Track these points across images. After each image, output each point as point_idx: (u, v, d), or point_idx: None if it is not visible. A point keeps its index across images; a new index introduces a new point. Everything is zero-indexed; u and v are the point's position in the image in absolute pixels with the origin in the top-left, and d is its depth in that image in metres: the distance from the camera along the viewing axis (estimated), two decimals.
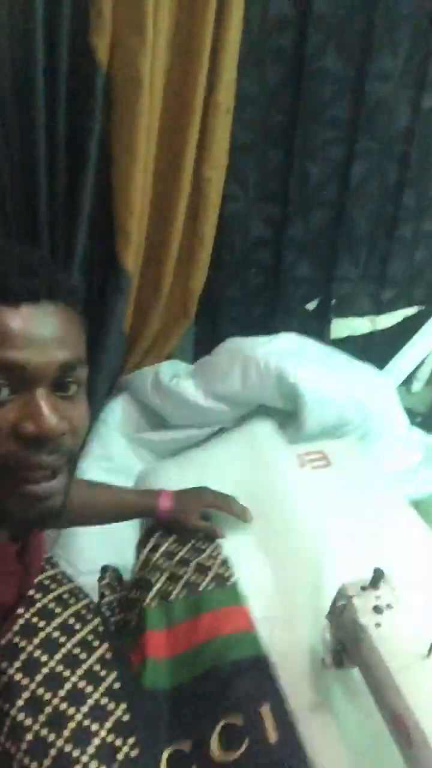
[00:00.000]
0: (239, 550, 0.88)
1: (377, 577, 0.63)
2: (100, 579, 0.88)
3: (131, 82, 1.11)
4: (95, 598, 0.84)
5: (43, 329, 0.44)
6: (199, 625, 0.76)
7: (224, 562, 0.85)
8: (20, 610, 0.62)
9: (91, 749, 0.56)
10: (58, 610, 0.66)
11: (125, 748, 0.58)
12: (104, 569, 0.90)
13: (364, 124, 1.39)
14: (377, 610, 0.61)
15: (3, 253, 0.46)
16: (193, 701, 0.69)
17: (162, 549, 0.88)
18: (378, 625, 0.60)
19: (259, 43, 1.28)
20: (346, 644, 0.65)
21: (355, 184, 1.46)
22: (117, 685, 0.63)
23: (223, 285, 1.56)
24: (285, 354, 1.32)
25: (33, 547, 0.58)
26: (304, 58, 1.30)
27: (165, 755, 0.64)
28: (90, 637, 0.66)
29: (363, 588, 0.63)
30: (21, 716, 0.56)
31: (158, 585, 0.83)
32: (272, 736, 0.62)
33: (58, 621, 0.65)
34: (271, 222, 1.50)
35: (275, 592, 0.81)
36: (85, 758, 0.56)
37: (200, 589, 0.81)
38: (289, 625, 0.76)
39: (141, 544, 0.91)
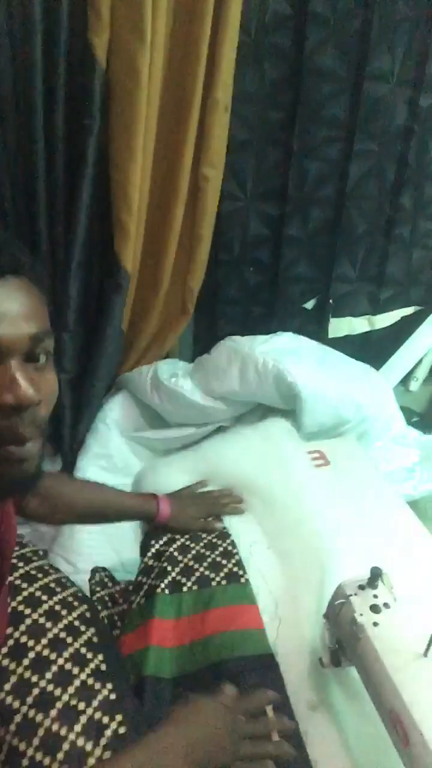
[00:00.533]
0: (250, 548, 0.88)
1: (375, 576, 0.63)
2: (91, 579, 0.89)
3: (130, 80, 1.11)
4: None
5: (11, 304, 0.45)
6: (209, 618, 0.77)
7: (238, 562, 0.85)
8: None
9: (78, 727, 0.57)
10: (44, 597, 0.67)
11: (113, 725, 0.58)
12: (94, 571, 0.91)
13: (362, 124, 1.39)
14: (375, 609, 0.61)
15: None
16: (197, 691, 0.69)
17: (178, 543, 0.88)
18: (375, 624, 0.60)
19: (257, 42, 1.28)
20: (344, 643, 0.65)
21: (353, 183, 1.46)
22: (104, 667, 0.64)
23: (222, 284, 1.56)
24: (283, 353, 1.32)
25: (4, 521, 0.58)
26: (303, 57, 1.30)
27: None
28: (77, 623, 0.67)
29: (361, 587, 0.64)
30: (9, 699, 0.58)
31: (172, 575, 0.83)
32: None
33: (44, 608, 0.65)
34: (269, 221, 1.50)
35: (283, 591, 0.81)
36: (72, 735, 0.56)
37: (213, 584, 0.81)
38: (295, 625, 0.77)
39: (151, 537, 0.91)
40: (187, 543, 0.89)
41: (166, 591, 0.81)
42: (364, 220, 1.54)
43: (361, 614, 0.61)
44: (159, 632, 0.76)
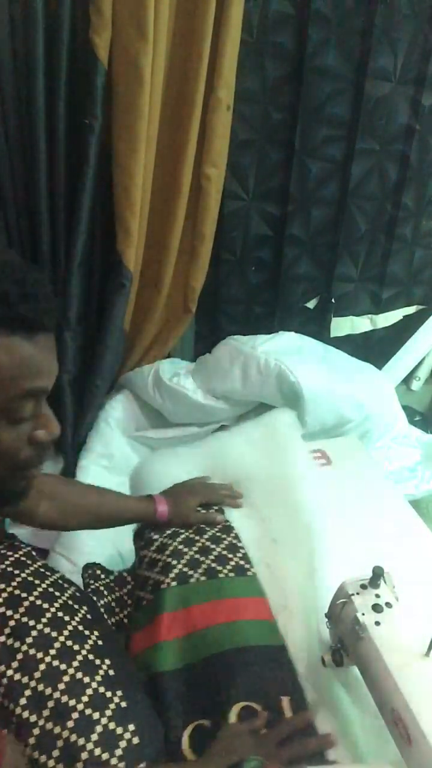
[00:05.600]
0: (255, 542, 0.88)
1: (377, 575, 0.63)
2: (83, 574, 0.89)
3: (132, 79, 1.11)
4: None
5: (53, 355, 0.53)
6: (219, 608, 0.77)
7: (244, 555, 0.85)
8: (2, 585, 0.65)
9: (94, 737, 0.57)
10: (45, 605, 0.67)
11: (126, 735, 0.59)
12: (86, 567, 0.91)
13: (364, 123, 1.39)
14: (377, 608, 0.61)
15: (10, 271, 0.49)
16: (211, 680, 0.70)
17: (182, 536, 0.88)
18: (377, 623, 0.60)
19: (259, 41, 1.27)
20: (346, 642, 0.65)
21: (355, 182, 1.46)
22: (112, 672, 0.65)
23: (224, 283, 1.56)
24: (285, 352, 1.32)
25: None
26: (304, 56, 1.29)
27: (188, 731, 0.65)
28: (81, 627, 0.67)
29: (363, 586, 0.64)
30: (17, 676, 0.59)
31: (179, 567, 0.83)
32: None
33: (47, 616, 0.65)
34: (271, 220, 1.50)
35: (291, 584, 0.81)
36: (90, 745, 0.57)
37: (220, 575, 0.81)
38: (302, 618, 0.77)
39: (149, 527, 0.91)
40: (192, 536, 0.89)
41: (173, 583, 0.81)
42: (366, 220, 1.54)
43: (363, 613, 0.61)
44: (167, 626, 0.76)
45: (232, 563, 0.83)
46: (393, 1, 1.28)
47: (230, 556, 0.85)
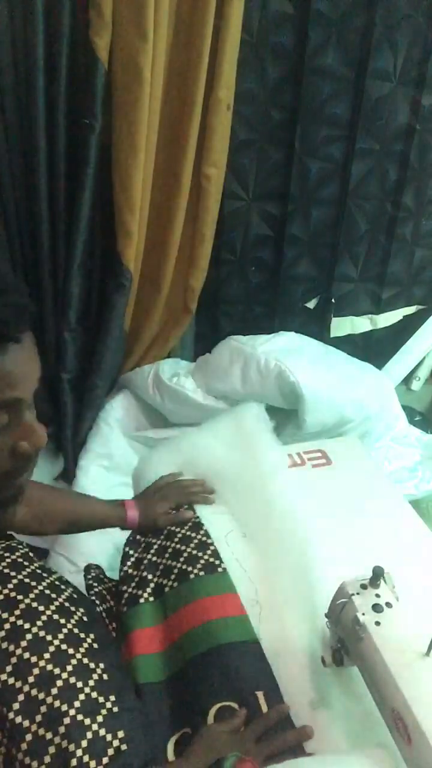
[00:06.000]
0: (224, 538, 0.88)
1: (377, 575, 0.63)
2: (86, 575, 0.89)
3: (132, 79, 1.11)
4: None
5: (29, 363, 0.51)
6: (190, 611, 0.77)
7: (214, 552, 0.85)
8: None
9: (84, 742, 0.58)
10: (41, 608, 0.67)
11: (115, 742, 0.59)
12: (88, 568, 0.91)
13: (364, 123, 1.39)
14: (377, 608, 0.61)
15: None
16: (189, 686, 0.70)
17: (155, 548, 0.89)
18: (377, 623, 0.60)
19: (259, 41, 1.28)
20: (346, 642, 0.65)
21: (355, 182, 1.46)
22: (106, 676, 0.65)
23: (224, 283, 1.56)
24: (285, 352, 1.32)
25: None
26: (304, 56, 1.29)
27: (173, 740, 0.66)
28: (76, 630, 0.67)
29: (363, 586, 0.64)
30: (11, 680, 0.59)
31: (154, 581, 0.84)
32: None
33: (43, 619, 0.65)
34: (271, 220, 1.50)
35: (262, 578, 0.82)
36: (79, 752, 0.57)
37: (191, 576, 0.81)
38: (277, 611, 0.77)
39: (129, 546, 0.91)
40: (163, 543, 0.89)
41: (150, 598, 0.81)
42: (366, 220, 1.54)
43: (363, 613, 0.61)
44: (142, 641, 0.76)
45: (202, 562, 0.83)
46: (393, 1, 1.28)
47: (200, 554, 0.85)
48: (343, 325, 1.67)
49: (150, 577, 0.84)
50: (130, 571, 0.87)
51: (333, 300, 1.62)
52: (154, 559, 0.87)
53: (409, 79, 1.39)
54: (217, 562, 0.83)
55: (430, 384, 1.84)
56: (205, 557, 0.84)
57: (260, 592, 0.80)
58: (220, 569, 0.82)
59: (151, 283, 1.39)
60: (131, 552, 0.90)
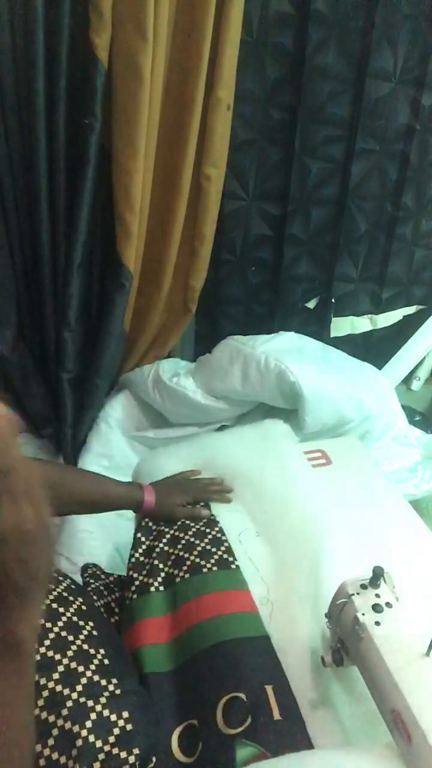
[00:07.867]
0: (238, 536, 0.89)
1: (377, 575, 0.63)
2: (83, 574, 0.90)
3: (132, 79, 1.11)
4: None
5: None
6: (203, 603, 0.77)
7: (228, 548, 0.86)
8: None
9: (89, 723, 0.58)
10: None
11: (120, 722, 0.60)
12: (85, 567, 0.91)
13: (364, 123, 1.39)
14: (377, 608, 0.61)
15: None
16: (197, 678, 0.70)
17: (167, 537, 0.89)
18: (377, 623, 0.60)
19: (259, 41, 1.28)
20: (346, 642, 0.65)
21: (354, 182, 1.46)
22: (107, 662, 0.65)
23: (224, 283, 1.56)
24: (285, 352, 1.32)
25: None
26: (304, 56, 1.29)
27: (176, 732, 0.65)
28: (75, 618, 0.68)
29: (363, 586, 0.64)
30: None
31: (165, 570, 0.84)
32: (276, 714, 0.64)
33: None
34: (271, 220, 1.50)
35: (275, 577, 0.82)
36: (84, 732, 0.57)
37: (204, 570, 0.82)
38: (288, 610, 0.77)
39: (141, 532, 0.91)
40: (177, 534, 0.89)
41: (161, 588, 0.81)
42: (366, 220, 1.54)
43: (363, 614, 0.61)
44: (152, 631, 0.76)
45: (216, 557, 0.84)
46: (393, 1, 1.28)
47: (213, 550, 0.85)
48: (343, 325, 1.67)
49: (161, 566, 0.84)
50: (141, 558, 0.87)
51: (333, 300, 1.62)
52: (166, 548, 0.87)
53: (409, 79, 1.39)
54: (230, 559, 0.84)
55: (430, 384, 1.84)
56: (219, 553, 0.84)
57: (272, 592, 0.80)
58: (233, 566, 0.83)
59: (151, 282, 1.39)
60: (143, 538, 0.89)
